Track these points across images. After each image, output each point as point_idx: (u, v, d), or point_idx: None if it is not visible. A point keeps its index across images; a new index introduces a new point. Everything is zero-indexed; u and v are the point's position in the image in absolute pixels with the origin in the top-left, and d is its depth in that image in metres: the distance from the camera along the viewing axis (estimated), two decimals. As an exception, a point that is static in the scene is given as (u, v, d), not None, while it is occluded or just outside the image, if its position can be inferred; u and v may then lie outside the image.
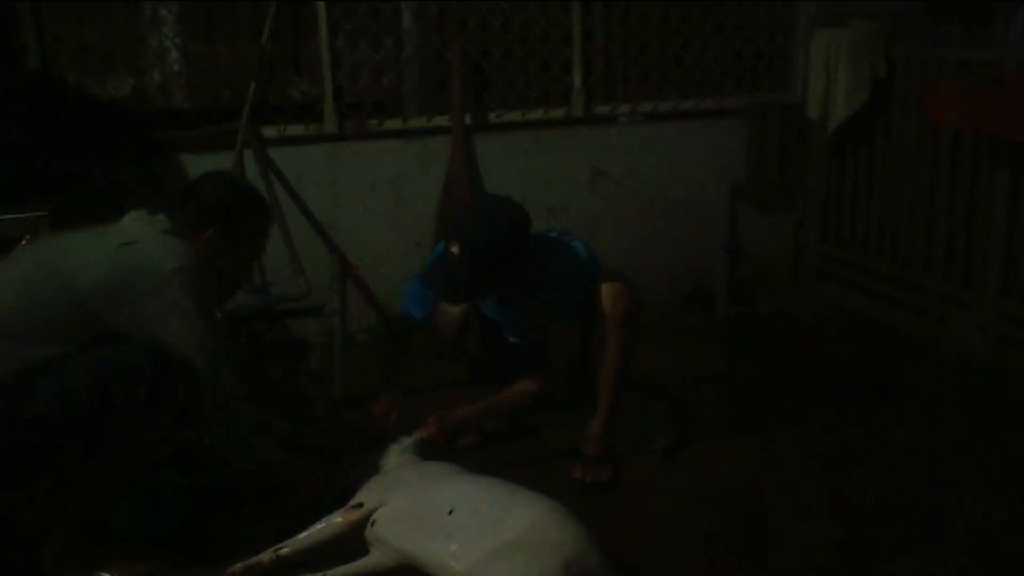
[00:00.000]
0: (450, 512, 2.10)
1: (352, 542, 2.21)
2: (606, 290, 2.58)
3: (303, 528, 2.23)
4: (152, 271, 2.11)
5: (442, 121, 3.94)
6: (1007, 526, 2.40)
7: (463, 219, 2.63)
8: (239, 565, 2.15)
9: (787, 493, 2.60)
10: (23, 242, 2.76)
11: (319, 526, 2.22)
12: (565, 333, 2.63)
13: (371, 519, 2.19)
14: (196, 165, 2.40)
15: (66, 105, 3.57)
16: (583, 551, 1.98)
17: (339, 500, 2.28)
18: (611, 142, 4.18)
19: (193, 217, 2.29)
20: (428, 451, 2.52)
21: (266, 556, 2.18)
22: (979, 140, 3.47)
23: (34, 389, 2.00)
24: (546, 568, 1.90)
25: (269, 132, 3.76)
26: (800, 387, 3.34)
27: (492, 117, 4.03)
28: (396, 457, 2.46)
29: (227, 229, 2.31)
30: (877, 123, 4.00)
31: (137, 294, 2.10)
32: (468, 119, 3.94)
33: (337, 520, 2.22)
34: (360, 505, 2.23)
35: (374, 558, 2.18)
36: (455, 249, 2.43)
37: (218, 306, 2.59)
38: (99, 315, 2.09)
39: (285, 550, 2.19)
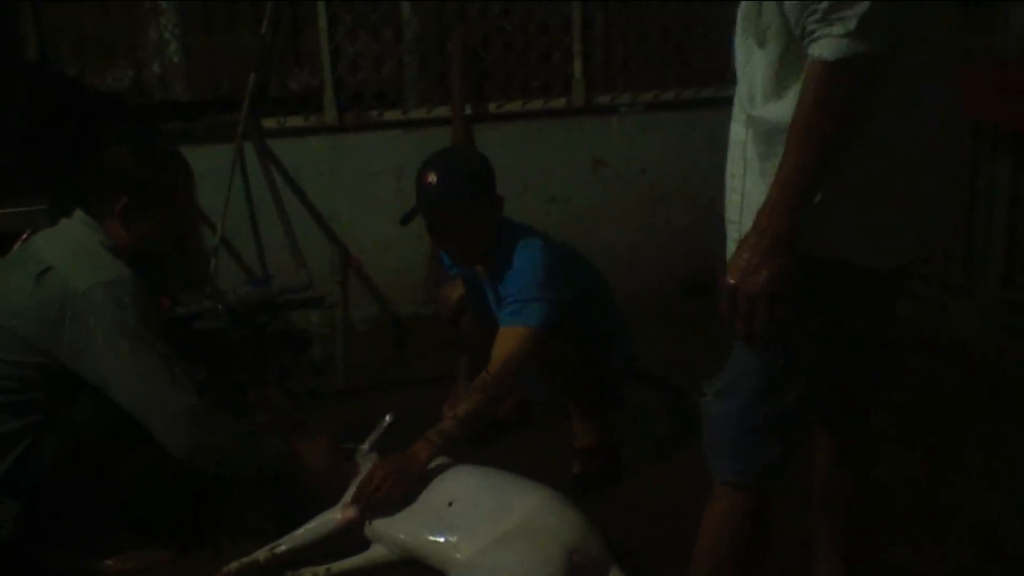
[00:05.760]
0: (450, 504, 2.11)
1: (354, 536, 2.19)
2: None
3: (306, 516, 2.20)
4: (70, 297, 2.02)
5: (443, 112, 3.93)
6: (1006, 516, 2.39)
7: (435, 156, 2.57)
8: (235, 564, 2.11)
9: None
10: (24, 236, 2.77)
11: (315, 523, 2.19)
12: (509, 334, 2.41)
13: (369, 515, 2.18)
14: (196, 157, 2.36)
15: (65, 97, 3.57)
16: (583, 538, 1.99)
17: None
18: (612, 132, 4.17)
19: (103, 193, 2.15)
20: (385, 446, 2.44)
21: (261, 554, 2.13)
22: (980, 127, 3.45)
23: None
24: (547, 555, 1.91)
25: (269, 123, 3.76)
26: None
27: (492, 107, 4.02)
28: (363, 457, 2.41)
29: (137, 194, 2.14)
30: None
31: (64, 324, 2.02)
32: (468, 109, 3.94)
33: (334, 517, 2.19)
34: None
35: (376, 552, 2.18)
36: (431, 179, 2.44)
37: (163, 291, 2.46)
38: (47, 353, 2.05)
39: (281, 548, 2.15)
